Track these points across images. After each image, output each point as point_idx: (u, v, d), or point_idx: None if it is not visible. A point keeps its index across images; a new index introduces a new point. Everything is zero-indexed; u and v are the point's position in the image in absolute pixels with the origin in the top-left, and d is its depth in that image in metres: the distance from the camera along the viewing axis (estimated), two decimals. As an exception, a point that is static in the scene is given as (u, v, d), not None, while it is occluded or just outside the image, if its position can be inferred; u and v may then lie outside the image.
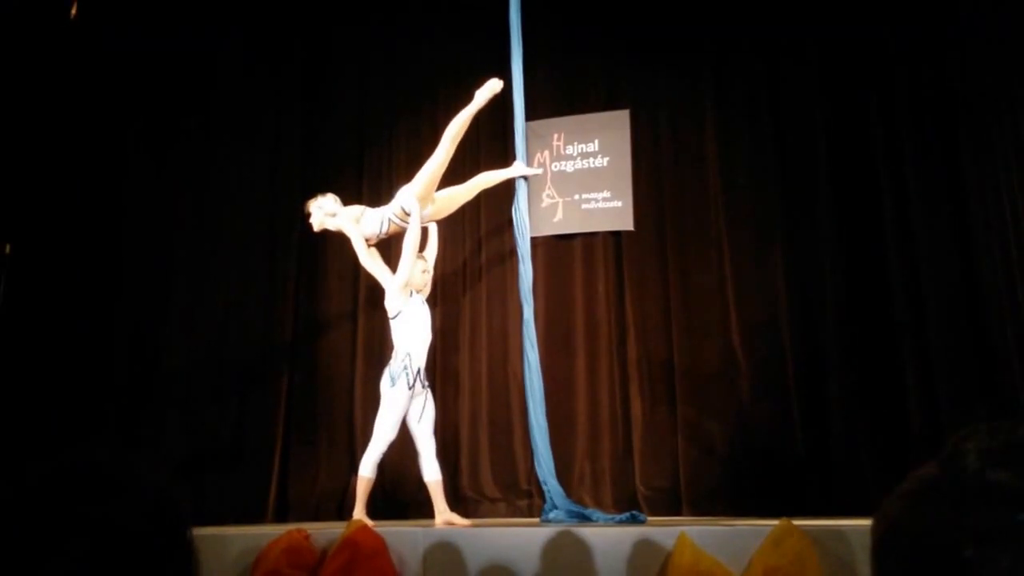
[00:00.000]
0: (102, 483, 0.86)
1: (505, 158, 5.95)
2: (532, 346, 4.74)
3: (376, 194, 6.18)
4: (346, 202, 6.13)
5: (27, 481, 0.85)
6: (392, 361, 4.61)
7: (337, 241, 6.18)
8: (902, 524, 0.81)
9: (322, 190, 6.21)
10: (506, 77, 5.11)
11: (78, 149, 6.18)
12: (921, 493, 0.81)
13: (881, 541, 0.84)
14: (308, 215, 5.02)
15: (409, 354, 4.57)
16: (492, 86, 4.91)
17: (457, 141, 4.87)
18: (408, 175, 6.12)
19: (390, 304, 4.67)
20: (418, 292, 4.76)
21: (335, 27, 6.56)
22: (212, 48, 6.46)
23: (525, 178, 5.03)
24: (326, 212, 4.94)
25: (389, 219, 4.84)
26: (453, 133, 4.85)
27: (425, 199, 4.81)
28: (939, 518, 0.77)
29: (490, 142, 6.15)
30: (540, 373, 4.71)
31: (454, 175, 6.16)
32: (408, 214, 4.75)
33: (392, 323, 4.67)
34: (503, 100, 5.89)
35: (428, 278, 4.87)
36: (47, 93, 5.99)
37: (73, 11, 5.81)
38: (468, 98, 6.24)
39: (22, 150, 5.88)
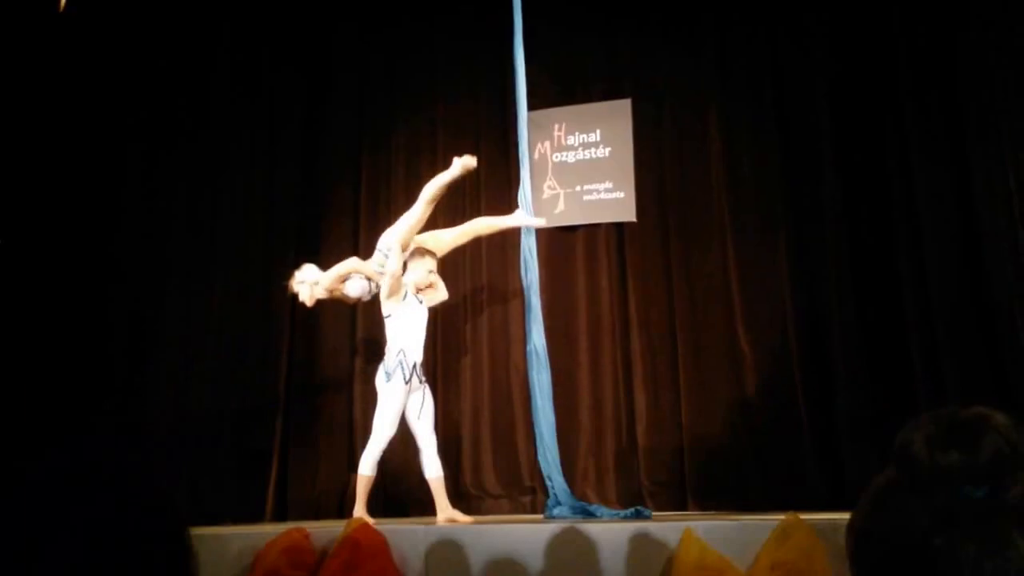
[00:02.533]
0: (101, 482, 0.86)
1: (506, 148, 5.90)
2: (540, 337, 4.69)
3: (374, 202, 6.15)
4: (345, 209, 6.12)
5: (25, 479, 0.85)
6: (386, 357, 4.57)
7: (334, 240, 6.16)
8: (872, 528, 0.83)
9: (320, 198, 6.19)
10: (507, 66, 5.06)
11: (74, 148, 6.12)
12: (882, 494, 0.84)
13: (856, 548, 0.86)
14: (295, 295, 4.86)
15: (403, 350, 4.52)
16: (466, 162, 4.72)
17: (433, 203, 4.77)
18: (407, 181, 6.14)
19: (383, 305, 4.62)
20: (420, 292, 4.72)
21: (334, 31, 6.48)
22: (209, 53, 6.38)
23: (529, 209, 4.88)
24: (311, 282, 4.80)
25: (375, 271, 4.74)
26: (429, 196, 4.74)
27: (403, 248, 4.71)
28: (903, 513, 0.80)
29: (488, 130, 6.10)
30: (548, 366, 4.66)
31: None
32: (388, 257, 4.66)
33: (386, 321, 4.63)
34: (503, 89, 5.85)
35: (434, 279, 4.82)
36: (39, 91, 5.93)
37: (61, 4, 5.73)
38: (469, 97, 6.21)
39: (16, 146, 5.82)
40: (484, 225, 5.06)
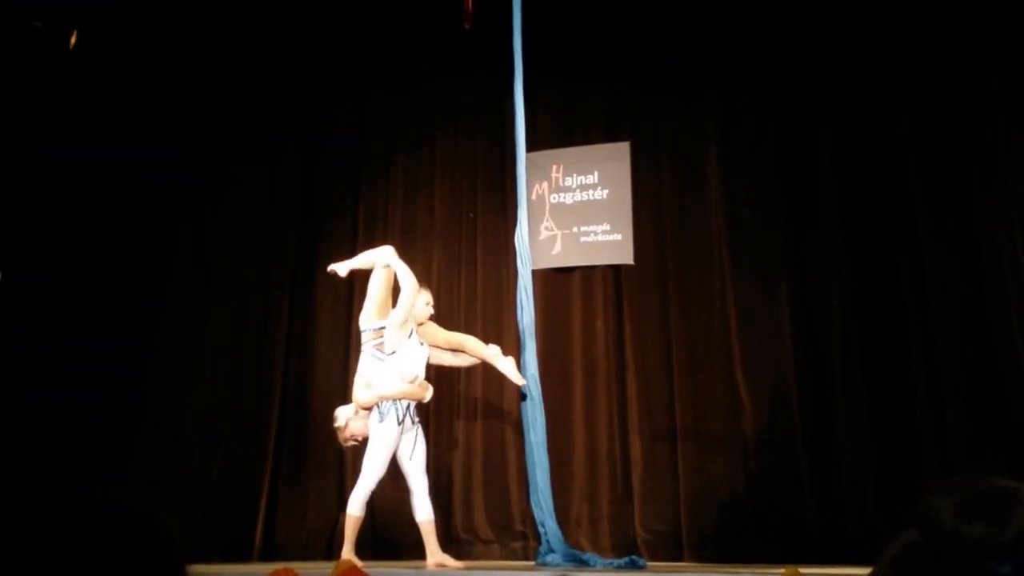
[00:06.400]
0: (101, 522, 0.86)
1: (503, 188, 5.90)
2: (535, 380, 4.62)
3: (371, 233, 6.10)
4: (342, 242, 6.08)
5: (26, 520, 0.85)
6: None
7: (330, 279, 6.10)
8: None
9: (317, 231, 6.14)
10: (506, 107, 5.06)
11: (75, 176, 6.13)
12: (905, 556, 0.83)
13: None
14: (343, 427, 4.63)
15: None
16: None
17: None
18: (404, 216, 6.10)
19: (388, 341, 4.53)
20: (419, 325, 4.67)
21: (334, 67, 6.50)
22: (211, 85, 6.42)
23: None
24: (346, 423, 4.61)
25: (373, 350, 4.63)
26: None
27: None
28: None
29: (486, 169, 6.10)
30: (543, 410, 4.59)
31: (451, 210, 6.09)
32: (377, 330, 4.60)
33: (387, 359, 4.53)
34: (501, 129, 5.85)
35: (430, 311, 4.81)
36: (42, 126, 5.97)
37: (71, 42, 5.79)
38: (467, 136, 6.21)
39: (18, 173, 5.83)
40: (471, 347, 4.86)
